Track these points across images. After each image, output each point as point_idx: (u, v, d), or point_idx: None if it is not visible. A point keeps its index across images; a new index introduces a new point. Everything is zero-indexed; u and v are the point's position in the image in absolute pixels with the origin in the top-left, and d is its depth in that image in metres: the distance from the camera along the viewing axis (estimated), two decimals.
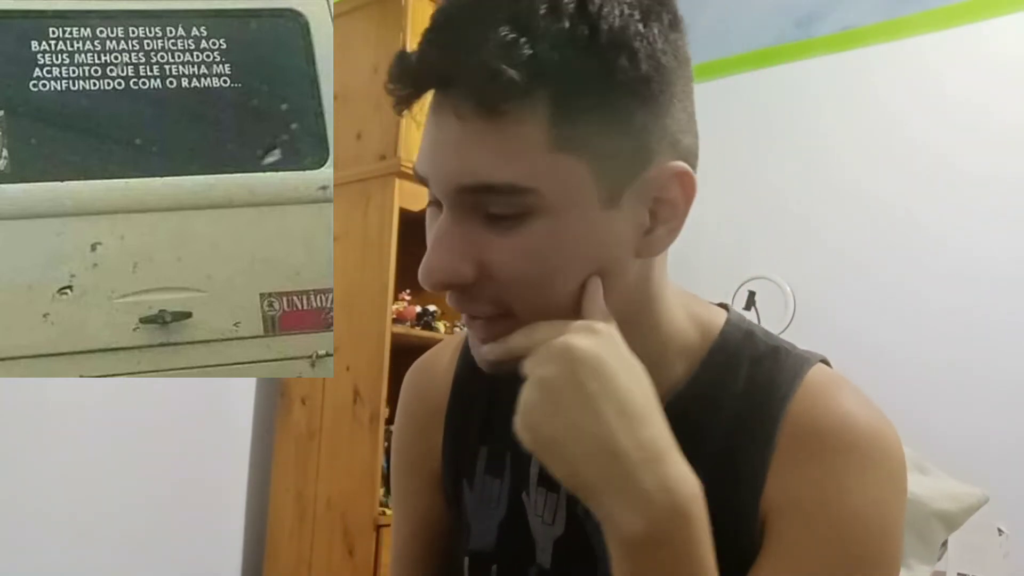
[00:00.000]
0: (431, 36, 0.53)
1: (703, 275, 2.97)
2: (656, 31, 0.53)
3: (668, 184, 0.56)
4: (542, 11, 0.50)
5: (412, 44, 2.02)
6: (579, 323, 0.53)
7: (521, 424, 0.52)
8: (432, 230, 0.56)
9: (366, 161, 2.10)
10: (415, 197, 2.07)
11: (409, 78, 0.53)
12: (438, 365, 0.76)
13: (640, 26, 0.52)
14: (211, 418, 2.09)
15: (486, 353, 0.57)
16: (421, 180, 0.57)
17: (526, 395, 0.51)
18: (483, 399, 0.72)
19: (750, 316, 2.80)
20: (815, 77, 2.77)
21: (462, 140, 0.52)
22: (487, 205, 0.53)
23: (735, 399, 0.62)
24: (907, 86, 2.58)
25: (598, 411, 0.50)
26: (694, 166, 0.58)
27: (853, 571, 0.55)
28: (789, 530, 0.57)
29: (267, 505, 2.18)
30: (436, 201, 0.56)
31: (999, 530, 1.85)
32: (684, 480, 0.51)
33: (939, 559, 1.87)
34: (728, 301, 2.82)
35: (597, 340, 0.51)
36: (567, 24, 0.50)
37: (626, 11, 0.51)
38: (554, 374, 0.50)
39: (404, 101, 0.54)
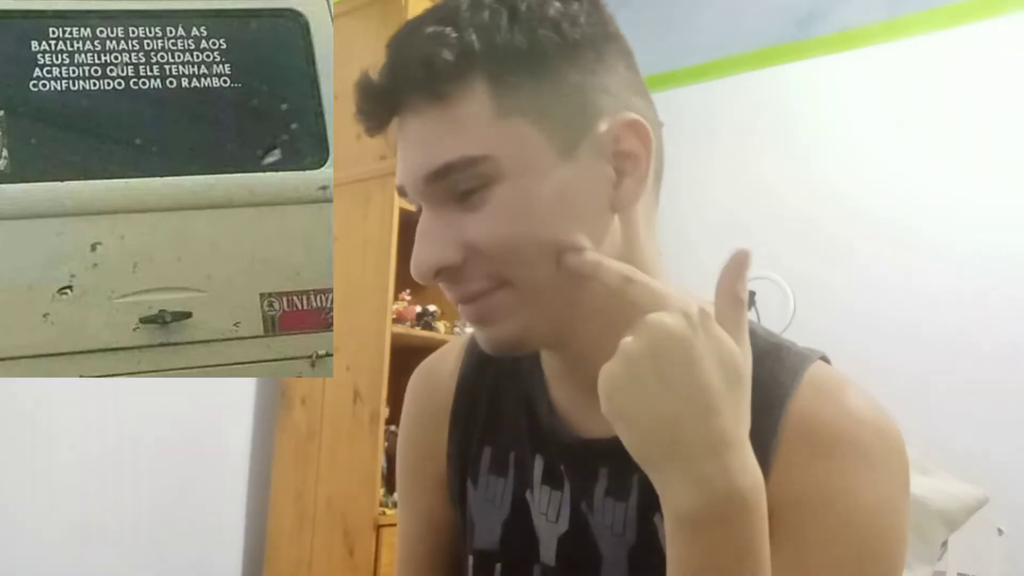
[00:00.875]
0: (382, 67, 0.59)
1: (703, 275, 2.97)
2: (575, 8, 0.59)
3: (622, 135, 0.60)
4: (463, 9, 0.57)
5: None
6: (679, 300, 0.53)
7: (600, 387, 0.53)
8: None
9: (366, 161, 2.10)
10: None
11: (371, 106, 0.59)
12: (442, 367, 0.78)
13: (558, 4, 0.58)
14: (211, 418, 2.09)
15: (492, 333, 0.60)
16: (403, 194, 0.61)
17: (612, 361, 0.53)
18: (486, 399, 0.73)
19: (750, 316, 2.79)
20: (815, 77, 2.77)
21: (421, 134, 0.57)
22: (455, 186, 0.57)
23: None
24: (907, 86, 2.58)
25: (672, 393, 0.51)
26: (652, 124, 0.62)
27: (861, 566, 0.56)
28: (797, 526, 0.57)
29: (267, 505, 2.18)
30: (419, 208, 0.61)
31: (999, 530, 1.85)
32: (745, 470, 0.52)
33: (939, 559, 1.87)
34: None
35: (688, 323, 0.51)
36: (487, 13, 0.56)
37: None
38: (639, 348, 0.51)
39: (374, 128, 0.60)
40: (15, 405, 1.72)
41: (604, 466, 0.65)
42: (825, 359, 0.66)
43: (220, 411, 2.12)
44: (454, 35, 0.56)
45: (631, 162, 0.60)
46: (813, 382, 0.62)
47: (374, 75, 0.58)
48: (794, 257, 2.72)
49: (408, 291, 2.19)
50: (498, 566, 0.69)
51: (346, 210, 2.11)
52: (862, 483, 0.57)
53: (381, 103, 0.58)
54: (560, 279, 0.58)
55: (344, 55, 2.25)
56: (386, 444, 2.03)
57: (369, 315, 2.02)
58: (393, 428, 2.03)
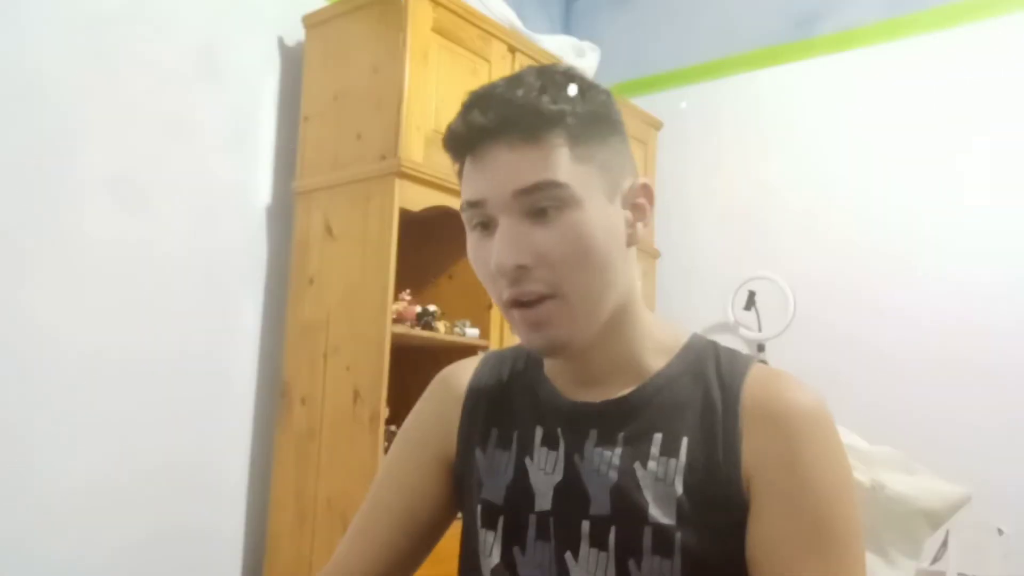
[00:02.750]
0: (477, 106, 0.76)
1: (703, 275, 2.98)
2: (603, 97, 0.80)
3: (639, 193, 0.82)
4: (553, 84, 0.77)
5: (412, 44, 2.02)
6: None
7: None
8: (480, 248, 0.78)
9: (366, 161, 2.10)
10: (415, 197, 2.08)
11: (467, 135, 0.76)
12: (462, 370, 0.96)
13: (596, 93, 0.79)
14: (211, 418, 2.09)
15: (547, 335, 0.77)
16: (472, 205, 0.77)
17: None
18: (498, 394, 0.91)
19: (750, 316, 2.81)
20: (815, 77, 2.78)
21: (514, 161, 0.75)
22: (536, 203, 0.74)
23: (706, 381, 0.81)
24: (907, 86, 2.58)
25: None
26: None
27: (825, 519, 0.73)
28: (768, 497, 0.74)
29: (267, 505, 2.18)
30: (481, 224, 0.78)
31: (999, 530, 1.85)
32: None
33: (939, 559, 1.87)
34: (728, 301, 2.81)
35: None
36: (569, 88, 0.77)
37: (588, 82, 0.80)
38: None
39: (462, 151, 0.78)
40: (15, 403, 1.72)
41: (593, 426, 0.82)
42: (763, 361, 0.84)
43: (220, 411, 2.12)
44: (551, 98, 0.75)
45: (641, 212, 0.81)
46: (757, 374, 0.80)
47: (473, 116, 0.75)
48: (794, 257, 2.72)
49: (408, 291, 2.19)
50: (501, 519, 0.84)
51: (346, 210, 2.11)
52: (811, 453, 0.75)
53: (480, 136, 0.75)
54: (600, 293, 0.77)
55: (344, 55, 2.26)
56: (386, 444, 2.03)
57: (369, 315, 2.02)
58: (393, 428, 2.03)
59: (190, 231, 2.04)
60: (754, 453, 0.76)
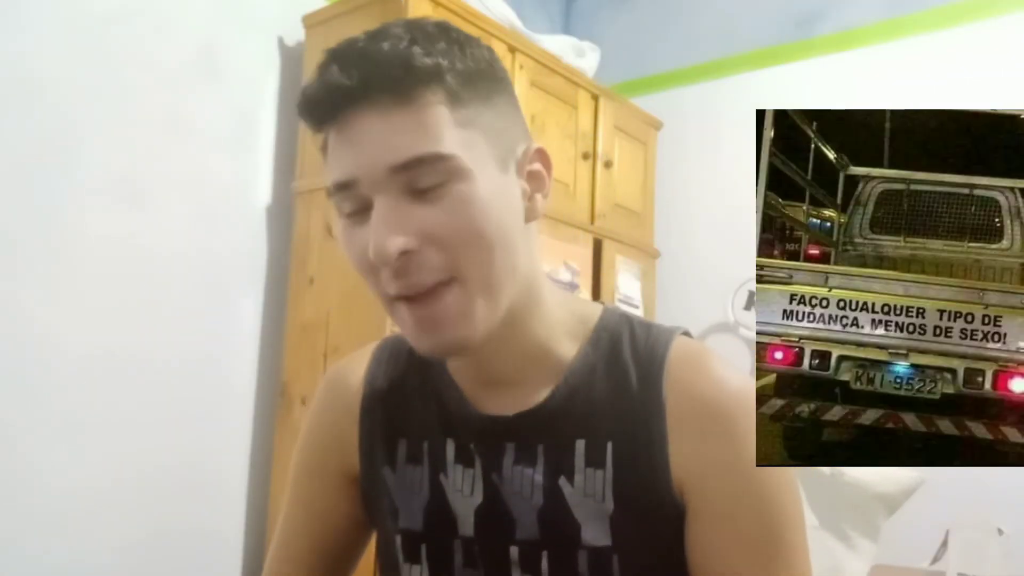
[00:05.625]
0: (336, 63, 0.64)
1: (703, 275, 2.98)
2: (485, 51, 0.69)
3: (534, 158, 0.72)
4: (422, 36, 0.65)
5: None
6: None
7: None
8: (355, 236, 0.66)
9: None
10: None
11: (328, 99, 0.64)
12: (351, 371, 0.84)
13: (476, 46, 0.68)
14: (211, 418, 2.09)
15: (441, 338, 0.66)
16: (342, 187, 0.65)
17: None
18: (398, 396, 0.80)
19: (750, 316, 2.81)
20: (815, 77, 2.77)
21: (387, 130, 0.63)
22: (416, 181, 0.63)
23: (622, 369, 0.72)
24: (907, 86, 2.58)
25: None
26: None
27: (771, 524, 0.67)
28: (709, 494, 0.67)
29: (267, 505, 2.18)
30: (354, 212, 0.66)
31: (999, 530, 1.85)
32: None
33: (939, 559, 1.87)
34: (728, 301, 2.79)
35: None
36: (443, 42, 0.65)
37: (465, 35, 0.68)
38: None
39: (324, 119, 0.65)
40: (15, 402, 1.72)
41: (511, 440, 0.73)
42: (687, 334, 0.76)
43: (220, 411, 2.12)
44: (423, 50, 0.63)
45: (539, 182, 0.72)
46: (680, 352, 0.72)
47: (334, 73, 0.63)
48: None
49: None
50: (423, 547, 0.75)
51: None
52: (748, 444, 0.68)
53: (340, 100, 0.63)
54: (501, 277, 0.66)
55: None
56: None
57: (369, 315, 2.02)
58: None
59: (190, 231, 2.04)
60: (685, 453, 0.68)
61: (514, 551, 0.71)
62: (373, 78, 0.62)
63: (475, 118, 0.65)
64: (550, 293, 0.75)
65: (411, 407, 0.79)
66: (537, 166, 0.71)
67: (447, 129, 0.63)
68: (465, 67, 0.65)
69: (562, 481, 0.70)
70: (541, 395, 0.73)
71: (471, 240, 0.64)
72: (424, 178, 0.63)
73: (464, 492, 0.74)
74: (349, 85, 0.62)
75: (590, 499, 0.69)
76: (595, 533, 0.69)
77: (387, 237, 0.62)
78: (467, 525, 0.74)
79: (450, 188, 0.63)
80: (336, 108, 0.64)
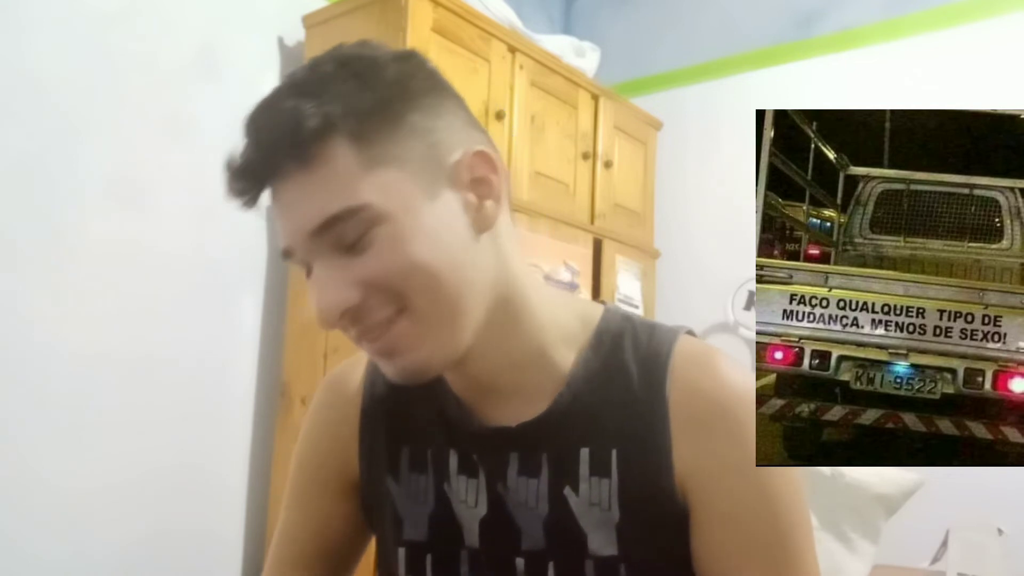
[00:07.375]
0: (247, 136, 0.64)
1: (703, 275, 2.98)
2: (408, 67, 0.67)
3: (474, 164, 0.67)
4: (314, 82, 0.64)
5: (412, 44, 2.00)
6: None
7: None
8: (311, 297, 0.65)
9: None
10: None
11: (244, 182, 0.64)
12: (351, 375, 0.84)
13: (394, 65, 0.66)
14: (211, 418, 2.09)
15: (400, 364, 0.66)
16: (287, 256, 0.66)
17: None
18: (400, 403, 0.79)
19: (750, 316, 2.81)
20: (815, 77, 2.77)
21: (299, 197, 0.63)
22: (340, 238, 0.63)
23: (625, 372, 0.71)
24: (907, 86, 2.58)
25: None
26: (495, 152, 0.70)
27: (779, 529, 0.66)
28: (715, 496, 0.66)
29: (267, 505, 2.18)
30: (308, 274, 0.66)
31: (999, 530, 1.85)
32: None
33: (939, 559, 1.87)
34: (728, 301, 2.80)
35: None
36: (337, 82, 0.63)
37: (366, 62, 0.66)
38: None
39: (250, 201, 0.65)
40: (15, 401, 1.72)
41: (515, 450, 0.72)
42: (692, 333, 0.75)
43: (220, 411, 2.12)
44: (311, 104, 0.61)
45: (486, 187, 0.68)
46: (684, 351, 0.71)
47: (240, 154, 0.64)
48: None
49: None
50: (428, 557, 0.75)
51: None
52: (753, 447, 0.67)
53: (253, 176, 0.64)
54: (453, 301, 0.64)
55: None
56: None
57: None
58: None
59: (190, 231, 2.04)
60: (689, 453, 0.67)
61: (520, 562, 0.71)
62: (271, 150, 0.63)
63: (385, 153, 0.63)
64: (541, 296, 0.73)
65: (412, 414, 0.78)
66: (480, 172, 0.68)
67: (354, 179, 0.62)
68: (365, 102, 0.63)
69: (567, 491, 0.70)
70: (543, 403, 0.72)
71: (410, 274, 0.63)
72: (347, 233, 0.62)
73: (468, 503, 0.73)
74: (257, 161, 0.63)
75: (596, 508, 0.69)
76: (601, 542, 0.68)
77: (324, 302, 0.63)
78: (472, 536, 0.73)
79: (375, 234, 0.63)
80: (258, 183, 0.64)
